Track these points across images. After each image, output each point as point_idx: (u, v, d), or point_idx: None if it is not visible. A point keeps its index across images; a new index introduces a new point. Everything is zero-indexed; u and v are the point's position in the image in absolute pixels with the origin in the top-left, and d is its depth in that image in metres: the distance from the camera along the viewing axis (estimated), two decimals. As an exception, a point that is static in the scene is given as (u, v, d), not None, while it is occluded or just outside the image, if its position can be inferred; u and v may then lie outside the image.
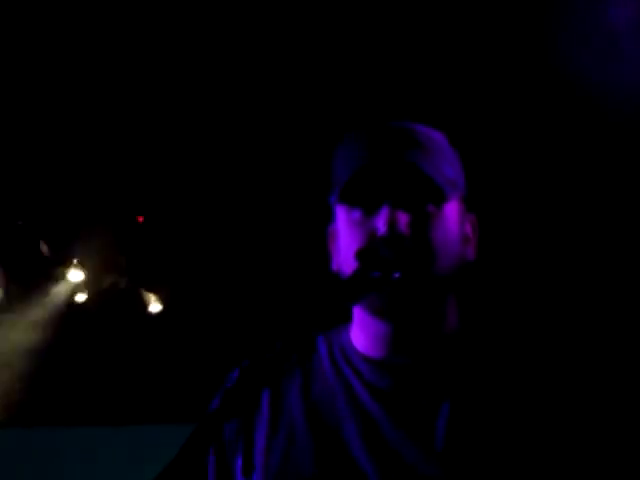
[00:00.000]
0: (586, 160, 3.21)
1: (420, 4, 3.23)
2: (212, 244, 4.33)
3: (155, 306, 5.06)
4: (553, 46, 3.05)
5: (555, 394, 1.52)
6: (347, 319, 1.63)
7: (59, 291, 5.02)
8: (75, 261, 4.92)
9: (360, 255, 1.47)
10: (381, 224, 1.49)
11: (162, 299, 4.96)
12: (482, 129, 3.20)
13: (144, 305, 5.03)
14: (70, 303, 5.06)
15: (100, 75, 3.67)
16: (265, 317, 3.81)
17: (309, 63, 3.43)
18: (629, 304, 3.07)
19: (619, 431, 1.52)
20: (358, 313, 1.59)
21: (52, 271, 4.94)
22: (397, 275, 1.46)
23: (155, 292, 4.98)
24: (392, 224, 1.49)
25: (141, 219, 4.56)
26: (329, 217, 1.63)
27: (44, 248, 4.78)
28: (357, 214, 1.53)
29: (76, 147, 4.12)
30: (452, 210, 1.56)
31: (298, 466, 1.52)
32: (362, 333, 1.59)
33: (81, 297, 5.10)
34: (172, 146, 4.01)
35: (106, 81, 3.71)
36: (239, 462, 1.57)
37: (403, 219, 1.50)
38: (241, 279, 4.24)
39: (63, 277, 4.96)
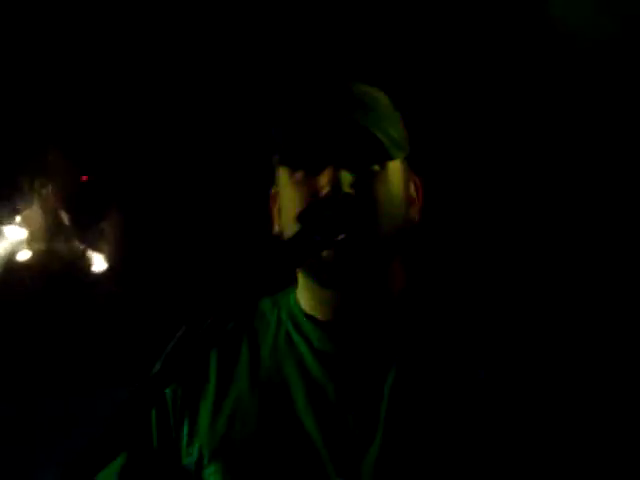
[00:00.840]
0: (535, 122, 3.21)
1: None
2: (157, 205, 4.29)
3: (100, 264, 5.01)
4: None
5: (500, 360, 1.52)
6: (293, 283, 1.62)
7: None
8: (17, 218, 4.86)
9: (302, 217, 1.45)
10: (324, 185, 1.47)
11: (108, 258, 4.92)
12: (426, 91, 3.18)
13: (89, 264, 4.98)
14: (11, 261, 4.99)
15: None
16: (209, 280, 3.79)
17: (250, 20, 3.38)
18: (573, 276, 3.09)
19: (552, 407, 1.52)
20: (303, 277, 1.57)
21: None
22: (341, 236, 1.44)
23: (101, 251, 4.94)
24: (336, 184, 1.46)
25: (85, 178, 4.51)
26: (272, 179, 1.61)
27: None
28: (300, 175, 1.50)
29: (22, 98, 4.04)
30: (396, 171, 1.54)
31: (244, 430, 1.50)
32: (308, 296, 1.57)
33: (24, 255, 5.03)
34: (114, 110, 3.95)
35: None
36: (185, 429, 1.56)
37: (347, 179, 1.47)
38: (187, 241, 4.21)
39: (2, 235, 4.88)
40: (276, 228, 1.59)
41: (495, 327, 1.56)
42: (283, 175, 1.54)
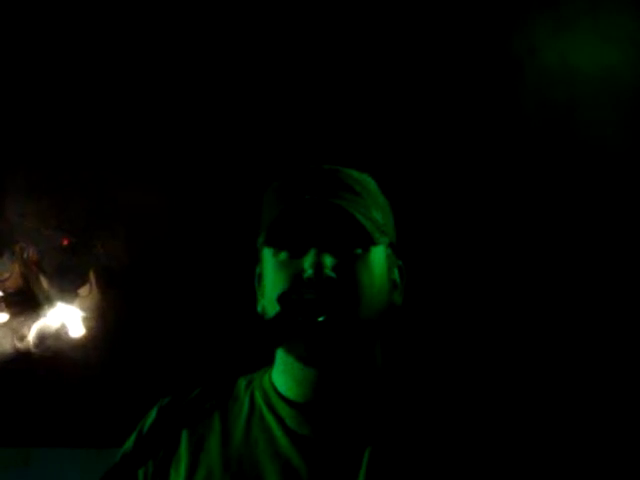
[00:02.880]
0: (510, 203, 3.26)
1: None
2: (139, 272, 4.28)
3: (78, 329, 4.98)
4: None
5: (473, 444, 1.52)
6: (271, 362, 1.62)
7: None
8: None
9: (283, 298, 1.46)
10: (307, 267, 1.48)
11: (86, 323, 4.89)
12: (412, 176, 3.21)
13: (67, 328, 4.95)
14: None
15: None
16: (187, 357, 3.77)
17: (237, 104, 3.40)
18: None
19: None
20: (281, 356, 1.57)
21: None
22: (321, 319, 1.45)
23: (79, 316, 4.91)
24: (318, 267, 1.47)
25: (67, 242, 4.51)
26: (257, 259, 1.62)
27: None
28: (283, 256, 1.52)
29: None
30: (380, 255, 1.56)
31: None
32: (285, 376, 1.57)
33: (2, 318, 4.99)
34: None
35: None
36: None
37: (329, 262, 1.48)
38: (167, 310, 4.19)
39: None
40: (260, 307, 1.59)
41: (473, 410, 1.56)
42: (267, 255, 1.56)
